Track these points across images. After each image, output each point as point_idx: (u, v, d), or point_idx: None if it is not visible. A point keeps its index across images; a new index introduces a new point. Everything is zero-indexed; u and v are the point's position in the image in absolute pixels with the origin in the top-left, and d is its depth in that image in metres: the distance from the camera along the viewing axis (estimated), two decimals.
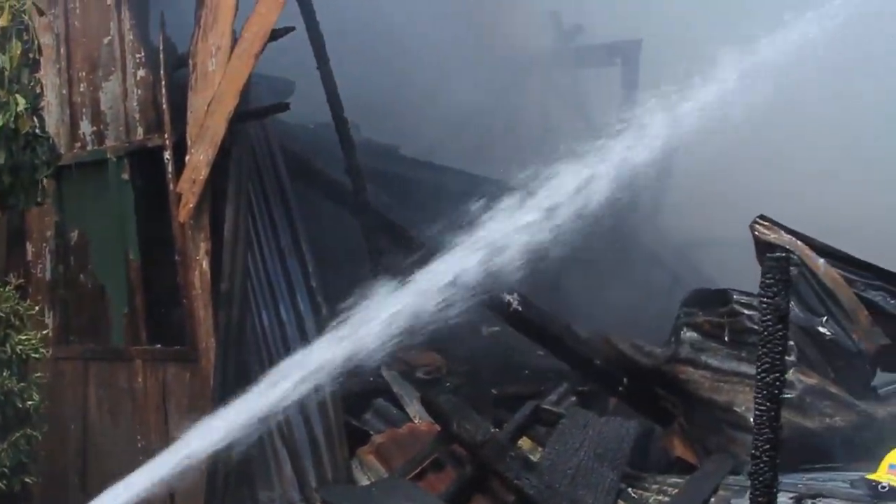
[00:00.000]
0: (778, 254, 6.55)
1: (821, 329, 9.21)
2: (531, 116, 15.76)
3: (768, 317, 6.25)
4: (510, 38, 15.53)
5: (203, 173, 9.04)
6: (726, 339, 9.18)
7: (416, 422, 9.74)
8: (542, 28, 15.51)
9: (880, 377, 10.16)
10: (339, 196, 10.20)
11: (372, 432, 9.73)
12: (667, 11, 16.15)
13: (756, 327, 8.78)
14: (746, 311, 9.06)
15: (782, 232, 9.62)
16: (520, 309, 10.14)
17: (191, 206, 9.09)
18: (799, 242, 9.53)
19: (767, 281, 6.29)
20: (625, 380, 9.91)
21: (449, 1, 15.15)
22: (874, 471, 6.85)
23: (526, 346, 11.83)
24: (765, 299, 6.32)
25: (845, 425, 8.77)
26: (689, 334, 9.38)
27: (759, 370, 6.30)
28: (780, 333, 6.27)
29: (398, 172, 11.32)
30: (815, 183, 15.30)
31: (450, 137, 14.85)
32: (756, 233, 9.70)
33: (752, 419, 8.54)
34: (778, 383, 6.27)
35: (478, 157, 14.40)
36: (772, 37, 9.22)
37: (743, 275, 13.96)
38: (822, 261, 9.42)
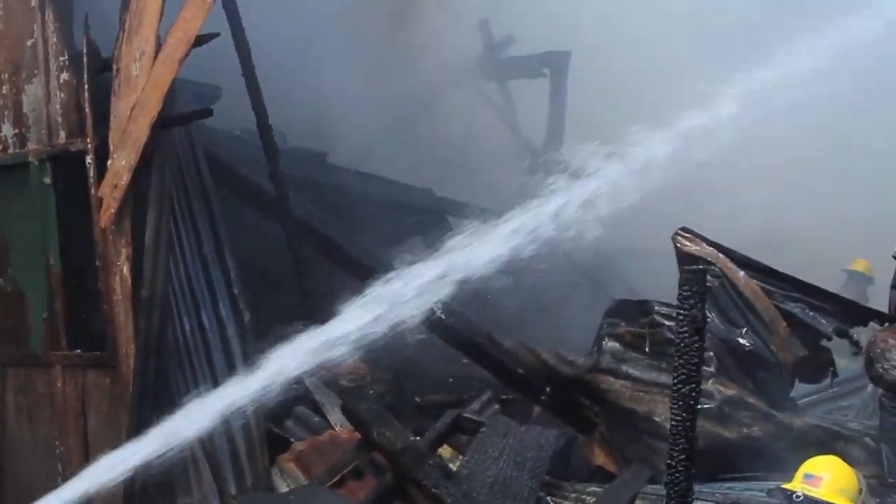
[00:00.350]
0: (694, 266, 6.64)
1: (740, 340, 9.33)
2: (459, 126, 15.77)
3: (685, 328, 6.33)
4: (440, 46, 15.53)
5: (125, 178, 8.98)
6: (647, 349, 9.26)
7: (337, 429, 9.72)
8: (472, 37, 15.52)
9: (799, 388, 10.34)
10: (263, 203, 10.16)
11: (293, 440, 9.70)
12: (596, 23, 16.31)
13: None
14: (667, 322, 9.13)
15: (704, 244, 9.73)
16: (444, 318, 10.15)
17: (112, 211, 9.02)
18: (720, 255, 9.65)
19: (684, 293, 6.37)
20: (548, 389, 9.89)
21: (378, 8, 15.22)
22: (790, 480, 6.93)
23: (451, 354, 11.88)
24: (681, 311, 6.39)
25: (763, 435, 8.88)
26: (610, 344, 9.44)
27: (676, 381, 6.38)
28: (697, 345, 6.35)
29: (324, 180, 11.28)
30: (736, 195, 15.49)
31: (379, 146, 14.87)
32: (678, 244, 9.81)
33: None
34: (693, 394, 6.35)
35: (406, 165, 14.39)
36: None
37: (668, 286, 14.18)
38: (742, 273, 9.55)
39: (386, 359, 11.11)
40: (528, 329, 12.47)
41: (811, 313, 9.58)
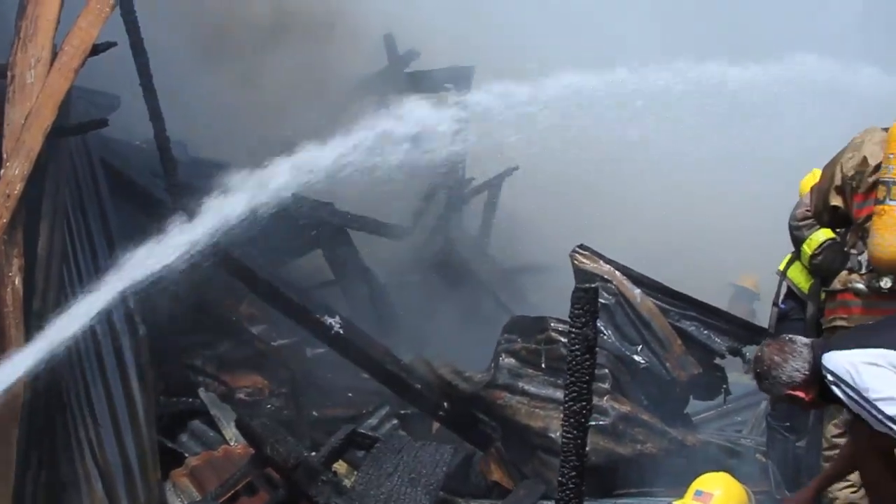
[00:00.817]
0: (585, 285, 6.70)
1: (636, 357, 9.43)
2: None
3: (576, 346, 6.39)
4: (345, 59, 15.50)
5: (18, 188, 8.82)
6: (543, 365, 9.30)
7: (231, 444, 9.65)
8: (376, 51, 15.49)
9: (694, 404, 10.46)
10: (162, 215, 10.02)
11: (187, 455, 9.60)
12: (501, 39, 16.41)
13: None
14: (563, 339, 9.14)
15: (601, 262, 9.82)
16: (342, 332, 10.14)
17: (4, 221, 8.84)
18: (617, 272, 9.74)
19: (576, 311, 6.43)
20: (445, 404, 9.92)
21: (282, 21, 15.13)
22: (682, 497, 7.01)
23: (349, 368, 11.87)
24: (573, 329, 6.46)
25: (657, 452, 8.97)
26: (507, 360, 9.48)
27: (567, 398, 6.44)
28: (588, 363, 6.42)
29: None
30: (635, 213, 15.66)
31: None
32: (575, 262, 9.88)
33: None
34: (584, 411, 6.41)
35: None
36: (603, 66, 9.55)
37: (566, 302, 14.26)
38: (638, 291, 9.66)
39: (284, 372, 11.26)
40: (427, 343, 12.46)
41: (705, 332, 9.71)
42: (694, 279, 12.11)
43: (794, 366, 6.12)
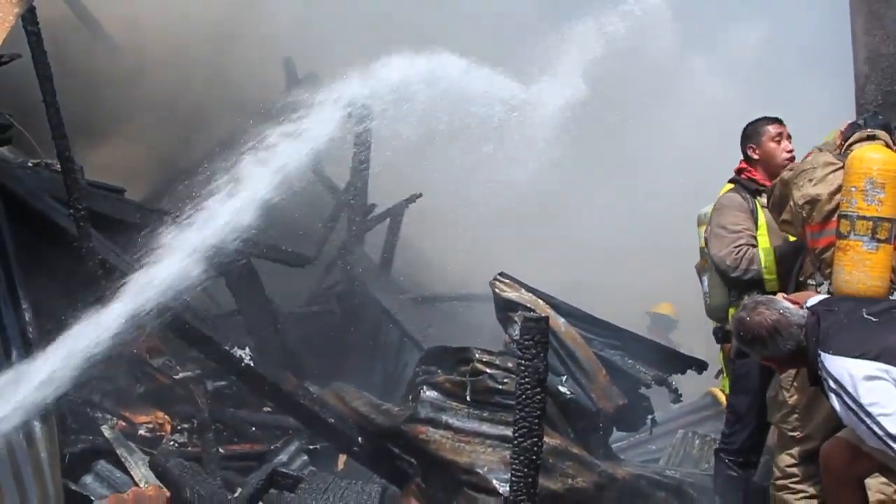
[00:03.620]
0: (535, 314, 6.41)
1: (561, 388, 9.15)
2: None
3: (526, 380, 6.08)
4: (243, 82, 15.17)
5: None
6: (468, 398, 8.96)
7: (141, 486, 9.11)
8: (275, 75, 15.13)
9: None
10: (62, 241, 9.48)
11: (93, 498, 9.03)
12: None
13: (499, 387, 8.71)
14: (489, 371, 8.87)
15: (522, 290, 9.57)
16: (252, 365, 9.71)
17: None
18: (540, 301, 9.50)
19: (525, 342, 6.12)
20: (360, 439, 9.54)
21: (184, 43, 14.80)
22: None
23: (253, 401, 11.51)
24: (522, 361, 6.15)
25: (588, 486, 8.68)
26: (429, 393, 9.12)
27: (517, 435, 6.12)
28: (539, 397, 6.11)
29: (123, 217, 10.67)
30: (556, 239, 15.54)
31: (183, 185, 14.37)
32: (496, 290, 9.64)
33: (493, 481, 8.47)
34: (536, 448, 6.10)
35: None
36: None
37: (475, 332, 14.07)
38: (562, 320, 9.42)
39: (185, 406, 10.82)
40: (330, 375, 12.16)
41: (630, 361, 9.56)
42: (606, 308, 11.95)
43: (782, 344, 6.06)
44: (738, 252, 7.76)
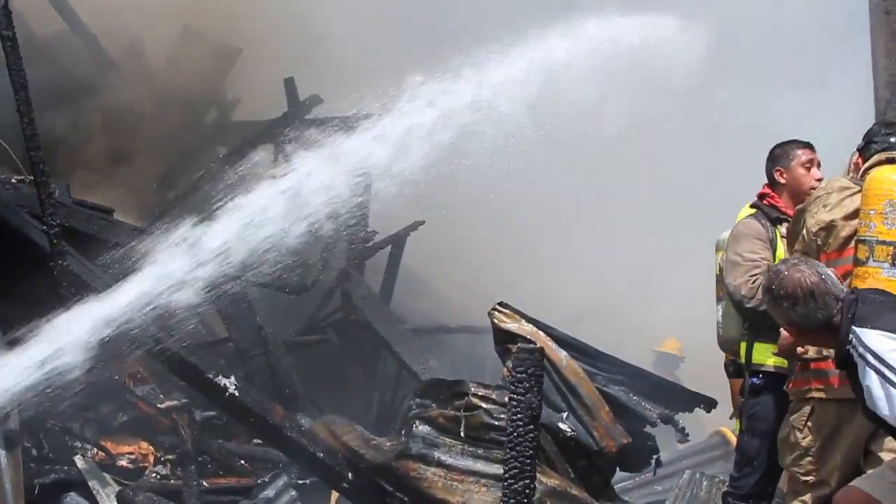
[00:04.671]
0: (529, 345, 5.94)
1: (561, 425, 8.67)
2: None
3: (518, 416, 5.60)
4: (245, 103, 14.89)
5: None
6: (462, 434, 8.50)
7: None
8: (277, 95, 14.78)
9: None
10: (38, 258, 9.10)
11: None
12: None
13: (494, 423, 8.24)
14: (484, 405, 8.42)
15: (523, 320, 9.10)
16: (237, 395, 9.28)
17: None
18: (540, 333, 9.01)
19: (517, 375, 5.65)
20: (350, 474, 9.12)
21: (181, 65, 14.55)
22: None
23: (242, 433, 11.11)
24: (514, 396, 5.67)
25: None
26: (421, 428, 8.67)
27: (507, 475, 5.63)
28: (531, 435, 5.63)
29: (108, 237, 10.31)
30: (557, 270, 15.20)
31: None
32: (495, 321, 9.16)
33: None
34: (528, 491, 5.61)
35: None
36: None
37: (478, 365, 13.67)
38: (564, 353, 8.93)
39: (170, 437, 10.45)
40: (327, 407, 12.00)
41: (635, 398, 9.09)
42: (610, 342, 11.56)
43: (813, 311, 5.57)
44: (755, 282, 7.19)
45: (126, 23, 14.54)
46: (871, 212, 6.15)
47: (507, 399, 8.11)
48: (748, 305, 7.21)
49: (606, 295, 15.69)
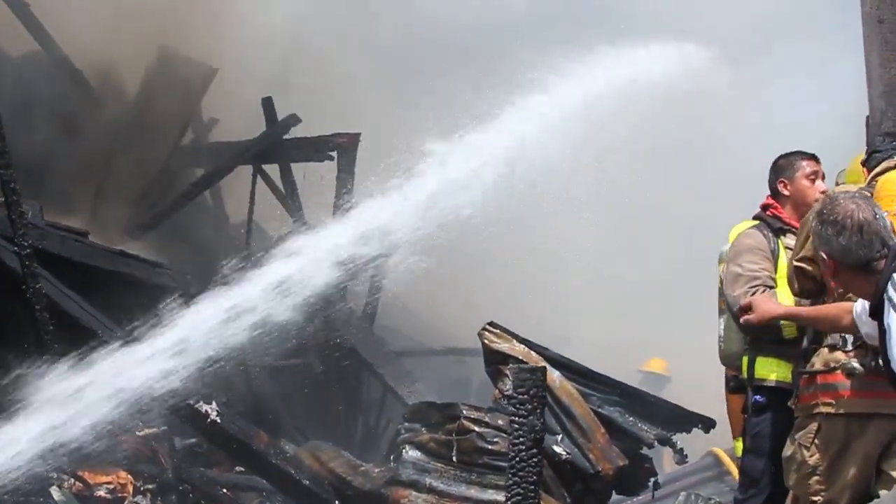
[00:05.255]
0: (529, 365, 5.67)
1: (556, 448, 8.42)
2: (237, 207, 14.81)
3: (521, 439, 5.33)
4: (221, 123, 14.65)
5: None
6: (454, 459, 8.31)
7: None
8: (254, 116, 14.54)
9: None
10: (9, 283, 8.84)
11: None
12: (386, 107, 15.79)
13: (488, 446, 8.01)
14: (477, 429, 8.21)
15: (515, 341, 8.88)
16: (219, 421, 9.03)
17: None
18: (532, 353, 8.80)
19: (519, 396, 5.39)
20: (337, 502, 8.94)
21: (156, 85, 14.34)
22: None
23: (224, 460, 10.76)
24: (516, 418, 5.40)
25: None
26: (411, 453, 8.48)
27: (510, 503, 5.35)
28: (535, 459, 5.35)
29: (83, 259, 10.08)
30: (545, 290, 15.02)
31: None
32: (485, 340, 8.96)
33: None
34: None
35: (182, 247, 13.59)
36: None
37: (461, 387, 13.43)
38: (557, 373, 8.70)
39: (149, 467, 10.21)
40: (308, 432, 11.86)
41: (631, 419, 8.91)
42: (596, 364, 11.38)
43: (856, 247, 5.32)
44: (755, 294, 6.98)
45: (100, 43, 14.25)
46: (885, 214, 5.92)
47: (500, 422, 7.96)
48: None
49: (590, 317, 15.49)
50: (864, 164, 6.87)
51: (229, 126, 14.82)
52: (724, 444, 13.47)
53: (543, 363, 8.72)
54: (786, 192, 7.37)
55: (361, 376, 13.27)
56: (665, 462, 12.76)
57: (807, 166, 7.37)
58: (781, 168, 7.45)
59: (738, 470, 7.99)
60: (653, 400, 9.20)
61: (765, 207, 7.45)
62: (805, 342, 6.42)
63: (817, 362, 6.16)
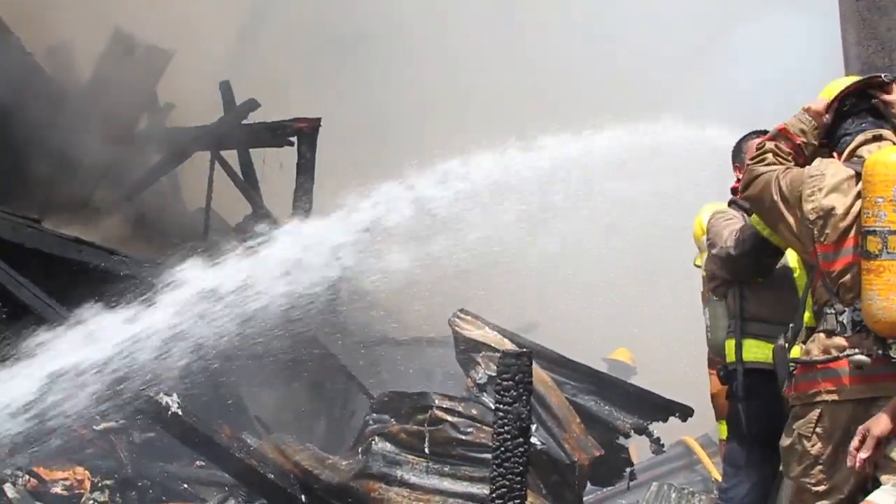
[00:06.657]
0: (514, 350, 5.40)
1: (531, 439, 8.19)
2: (194, 194, 14.53)
3: (506, 428, 5.04)
4: (179, 107, 14.35)
5: None
6: (426, 450, 8.11)
7: None
8: (213, 100, 14.25)
9: None
10: None
11: None
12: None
13: (462, 437, 7.81)
14: (450, 419, 8.03)
15: (487, 328, 8.69)
16: (179, 413, 8.74)
17: None
18: (505, 340, 8.61)
19: (504, 382, 5.10)
20: (304, 497, 8.63)
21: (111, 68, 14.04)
22: None
23: (186, 454, 10.54)
24: (501, 406, 5.11)
25: None
26: (381, 445, 8.25)
27: (494, 496, 5.07)
28: (521, 448, 5.07)
29: (36, 247, 9.80)
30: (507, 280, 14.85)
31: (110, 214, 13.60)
32: (456, 328, 8.82)
33: None
34: None
35: (138, 234, 13.32)
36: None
37: (427, 378, 13.18)
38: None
39: (107, 463, 10.09)
40: (270, 424, 11.63)
41: (607, 408, 8.77)
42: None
43: None
44: (735, 232, 6.89)
45: (52, 24, 13.91)
46: (880, 200, 5.64)
47: (474, 412, 7.72)
48: (735, 253, 6.81)
49: (556, 306, 15.29)
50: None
51: (186, 111, 14.47)
52: (693, 433, 13.38)
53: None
54: (740, 177, 7.29)
55: (324, 367, 12.99)
56: (633, 452, 12.64)
57: (754, 147, 7.24)
58: (734, 154, 7.51)
59: (721, 454, 7.79)
60: (629, 388, 9.07)
61: (734, 191, 7.40)
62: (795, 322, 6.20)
63: (814, 349, 5.90)
